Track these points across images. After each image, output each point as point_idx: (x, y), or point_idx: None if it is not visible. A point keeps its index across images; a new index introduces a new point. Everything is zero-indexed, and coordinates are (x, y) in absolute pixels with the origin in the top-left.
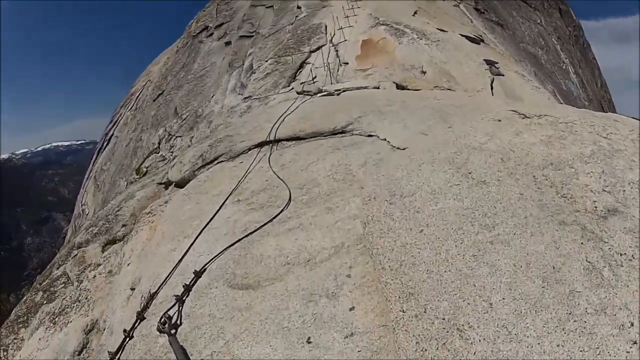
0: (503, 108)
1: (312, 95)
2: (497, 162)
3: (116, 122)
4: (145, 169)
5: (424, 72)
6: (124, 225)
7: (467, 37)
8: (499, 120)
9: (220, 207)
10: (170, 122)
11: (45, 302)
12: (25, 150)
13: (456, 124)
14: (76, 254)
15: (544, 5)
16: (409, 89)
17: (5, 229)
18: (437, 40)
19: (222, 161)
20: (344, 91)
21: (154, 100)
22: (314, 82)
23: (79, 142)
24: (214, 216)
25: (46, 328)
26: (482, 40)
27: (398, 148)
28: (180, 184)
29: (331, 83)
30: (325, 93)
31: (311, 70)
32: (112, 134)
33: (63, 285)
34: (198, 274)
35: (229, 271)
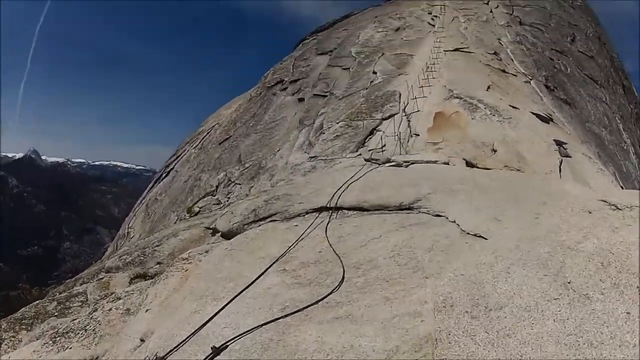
0: (590, 197)
1: (379, 164)
2: (598, 269)
3: (179, 156)
4: (197, 209)
5: (495, 151)
6: (158, 263)
7: (538, 116)
8: (590, 212)
9: (262, 274)
10: (232, 168)
11: (55, 314)
12: (81, 160)
13: (543, 215)
14: (102, 278)
15: (609, 82)
16: (478, 167)
17: (46, 227)
18: (510, 117)
19: (275, 220)
20: (412, 163)
21: (220, 144)
22: (382, 151)
23: (137, 167)
24: (252, 282)
25: (44, 343)
26: (552, 119)
27: (469, 233)
28: (227, 235)
29: (400, 153)
30: (393, 164)
31: (381, 138)
32: (173, 167)
33: (79, 304)
34: (216, 351)
35: (253, 357)
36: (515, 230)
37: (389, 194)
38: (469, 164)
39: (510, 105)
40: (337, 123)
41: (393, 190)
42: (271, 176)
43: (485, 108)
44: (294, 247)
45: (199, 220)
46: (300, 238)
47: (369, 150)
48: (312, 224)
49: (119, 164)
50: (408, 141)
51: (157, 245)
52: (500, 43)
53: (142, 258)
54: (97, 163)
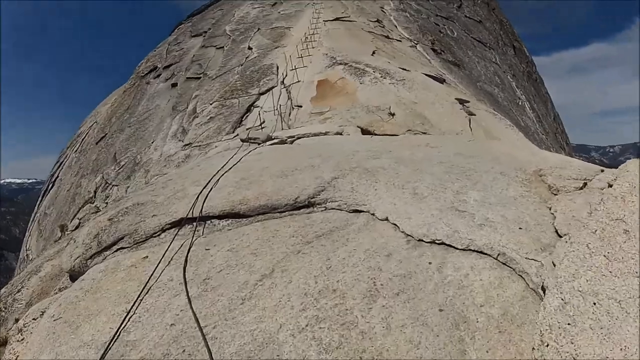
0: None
1: (259, 144)
2: None
3: (62, 163)
4: (77, 222)
5: (393, 114)
6: (16, 321)
7: (431, 77)
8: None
9: None
10: (109, 169)
11: None
12: None
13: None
14: None
15: (499, 44)
16: (377, 134)
17: None
18: (403, 79)
19: (123, 248)
20: (298, 138)
21: (97, 143)
22: (262, 128)
23: (30, 181)
24: None
25: None
26: (444, 80)
27: (431, 242)
28: (72, 276)
29: (282, 129)
30: (276, 141)
31: (259, 114)
32: (57, 176)
33: None
34: None
35: None
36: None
37: (277, 185)
38: (366, 132)
39: (400, 68)
40: (211, 104)
41: (282, 180)
42: (146, 172)
43: (374, 71)
44: (134, 313)
45: (66, 242)
46: (146, 289)
47: (247, 129)
48: (167, 249)
49: (11, 180)
50: (290, 114)
51: (17, 292)
52: (383, 11)
53: (2, 314)
54: None
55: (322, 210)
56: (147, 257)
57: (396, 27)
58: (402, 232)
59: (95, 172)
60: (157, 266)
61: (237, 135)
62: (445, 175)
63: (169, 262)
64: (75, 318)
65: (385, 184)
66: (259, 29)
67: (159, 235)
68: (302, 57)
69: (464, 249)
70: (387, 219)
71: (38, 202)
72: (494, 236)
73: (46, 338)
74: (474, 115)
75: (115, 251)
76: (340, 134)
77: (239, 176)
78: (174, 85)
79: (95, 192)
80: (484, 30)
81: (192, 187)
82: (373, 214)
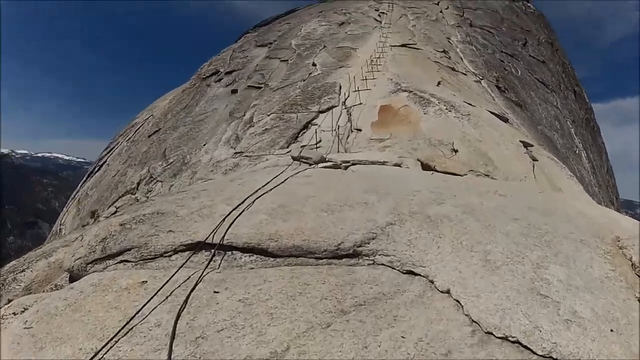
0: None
1: (310, 164)
2: None
3: (112, 149)
4: (114, 209)
5: (456, 151)
6: (8, 301)
7: (495, 115)
8: None
9: None
10: (156, 164)
11: None
12: (25, 151)
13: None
14: None
15: (560, 87)
16: (438, 171)
17: None
18: (468, 114)
19: (127, 261)
20: (354, 164)
21: (149, 137)
22: (317, 147)
23: (78, 159)
24: None
25: None
26: (507, 120)
27: (503, 338)
28: (70, 276)
29: (338, 151)
30: (329, 164)
31: (316, 132)
32: (105, 161)
33: None
34: None
35: None
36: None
37: (320, 222)
38: (426, 167)
39: (465, 102)
40: (268, 116)
41: (326, 216)
42: (193, 173)
43: (439, 102)
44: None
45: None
46: (127, 328)
47: (302, 146)
48: (167, 283)
49: (60, 155)
50: (348, 137)
51: (22, 270)
52: (450, 42)
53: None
54: (39, 155)
55: (368, 265)
56: (146, 282)
57: (462, 59)
58: (467, 315)
59: (142, 164)
60: (150, 300)
61: (290, 151)
62: (522, 239)
63: (167, 297)
64: (43, 335)
65: (450, 242)
66: (324, 46)
67: (169, 256)
68: (366, 79)
69: (544, 356)
70: (449, 292)
71: (82, 182)
72: (583, 342)
73: (9, 346)
74: (537, 160)
75: (119, 262)
76: (400, 165)
77: (278, 202)
78: (234, 91)
79: (138, 183)
80: (547, 72)
81: (222, 204)
82: (432, 282)
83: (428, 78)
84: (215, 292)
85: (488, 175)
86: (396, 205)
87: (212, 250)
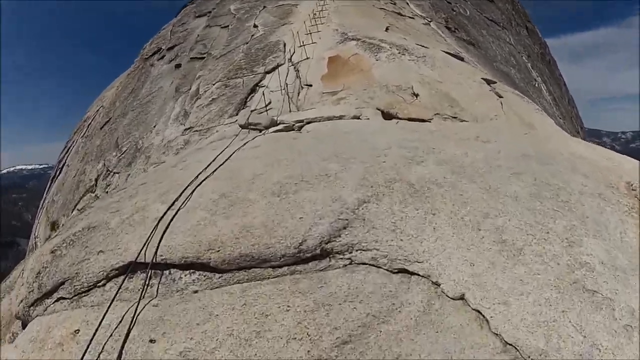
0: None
1: (260, 131)
2: None
3: (69, 149)
4: (78, 212)
5: (416, 95)
6: None
7: (450, 54)
8: None
9: None
10: (110, 155)
11: None
12: None
13: None
14: None
15: (512, 24)
16: (401, 118)
17: None
18: (423, 56)
19: (63, 298)
20: (308, 123)
21: (101, 129)
22: (267, 110)
23: (41, 166)
24: None
25: None
26: (463, 59)
27: None
28: (22, 323)
29: (290, 111)
30: (281, 127)
31: (264, 94)
32: (65, 162)
33: None
34: None
35: None
36: None
37: (272, 213)
38: (387, 115)
39: (417, 44)
40: (214, 85)
41: (279, 202)
42: (147, 158)
43: (390, 47)
44: None
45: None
46: None
47: (251, 111)
48: (98, 329)
49: (22, 167)
50: (299, 94)
51: None
52: None
53: None
54: (4, 171)
55: (344, 266)
56: (78, 331)
57: (408, 4)
58: (497, 335)
59: (98, 159)
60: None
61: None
62: (536, 203)
63: (99, 355)
64: None
65: (448, 219)
66: (264, 6)
67: (103, 285)
68: (310, 33)
69: None
70: (463, 298)
71: (46, 189)
72: None
73: None
74: (502, 97)
75: (56, 301)
76: (359, 117)
77: (220, 189)
78: (178, 66)
79: (96, 180)
80: (496, 10)
81: (156, 203)
82: (437, 284)
83: (375, 25)
84: (151, 341)
85: (456, 117)
86: (366, 172)
87: (147, 272)
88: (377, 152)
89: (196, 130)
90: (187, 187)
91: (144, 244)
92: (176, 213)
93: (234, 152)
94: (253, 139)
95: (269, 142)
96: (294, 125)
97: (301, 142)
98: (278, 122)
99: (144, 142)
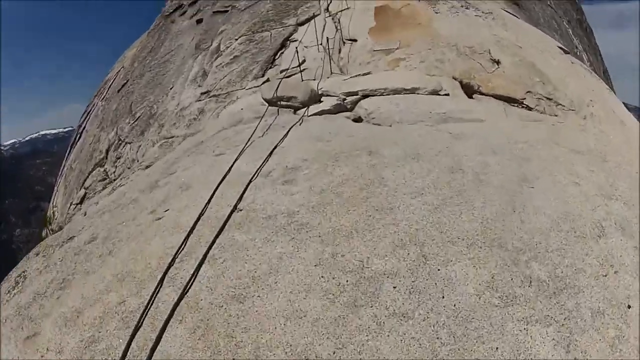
0: None
1: (295, 109)
2: None
3: (89, 113)
4: (77, 196)
5: (497, 62)
6: None
7: (511, 14)
8: None
9: None
10: (124, 122)
11: None
12: (13, 140)
13: None
14: None
15: None
16: (483, 93)
17: None
18: (490, 12)
19: None
20: (365, 96)
21: (118, 91)
22: (301, 71)
23: (65, 130)
24: None
25: None
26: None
27: None
28: None
29: (332, 72)
30: (326, 105)
31: (297, 50)
32: (84, 127)
33: None
34: None
35: None
36: None
37: None
38: (467, 88)
39: None
40: (236, 40)
41: None
42: (160, 127)
43: None
44: None
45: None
46: None
47: (281, 71)
48: None
49: (47, 132)
50: (340, 51)
51: None
52: None
53: None
54: (27, 138)
55: None
56: None
57: None
58: None
59: (113, 125)
60: None
61: (268, 80)
62: None
63: None
64: None
65: None
66: None
67: None
68: None
69: None
70: None
71: (66, 155)
72: None
73: None
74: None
75: None
76: (438, 93)
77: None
78: (199, 21)
79: (107, 151)
80: None
81: (110, 293)
82: None
83: None
84: None
85: (551, 99)
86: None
87: None
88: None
89: (214, 95)
90: (158, 283)
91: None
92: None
93: (248, 184)
94: (282, 139)
95: (317, 137)
96: (344, 100)
97: (376, 166)
98: (320, 93)
99: (158, 108)
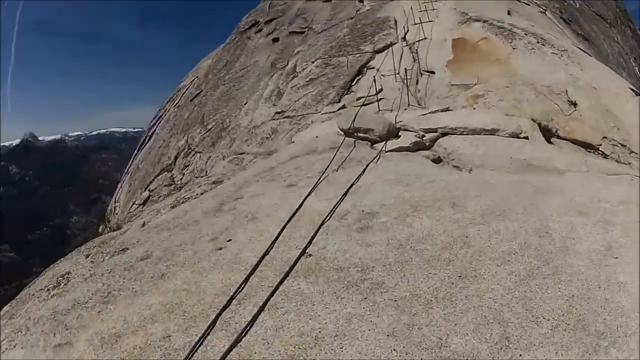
0: None
1: (372, 142)
2: None
3: (160, 117)
4: (148, 194)
5: (574, 104)
6: None
7: (583, 51)
8: None
9: None
10: (194, 132)
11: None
12: (79, 133)
13: None
14: None
15: (617, 22)
16: (561, 137)
17: (52, 207)
18: (564, 49)
19: None
20: (444, 134)
21: (191, 101)
22: (378, 100)
23: (135, 130)
24: None
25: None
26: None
27: None
28: None
29: (409, 104)
30: (405, 142)
31: (374, 78)
32: (155, 131)
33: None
34: None
35: None
36: None
37: None
38: (545, 131)
39: (549, 35)
40: (313, 62)
41: None
42: (232, 141)
43: (525, 34)
44: None
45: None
46: None
47: (357, 99)
48: None
49: (115, 129)
50: (417, 83)
51: None
52: None
53: None
54: (94, 133)
55: None
56: None
57: None
58: None
59: (184, 132)
60: None
61: (344, 106)
62: None
63: None
64: None
65: None
66: None
67: None
68: (426, 10)
69: None
70: None
71: (134, 154)
72: None
73: None
74: None
75: None
76: (518, 136)
77: None
78: (276, 40)
79: (175, 158)
80: (602, 5)
81: (156, 324)
82: None
83: (495, 6)
84: None
85: (625, 146)
86: None
87: None
88: None
89: (288, 116)
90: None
91: None
92: None
93: (323, 222)
94: (359, 177)
95: (397, 205)
96: (423, 137)
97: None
98: (398, 127)
99: (231, 122)
